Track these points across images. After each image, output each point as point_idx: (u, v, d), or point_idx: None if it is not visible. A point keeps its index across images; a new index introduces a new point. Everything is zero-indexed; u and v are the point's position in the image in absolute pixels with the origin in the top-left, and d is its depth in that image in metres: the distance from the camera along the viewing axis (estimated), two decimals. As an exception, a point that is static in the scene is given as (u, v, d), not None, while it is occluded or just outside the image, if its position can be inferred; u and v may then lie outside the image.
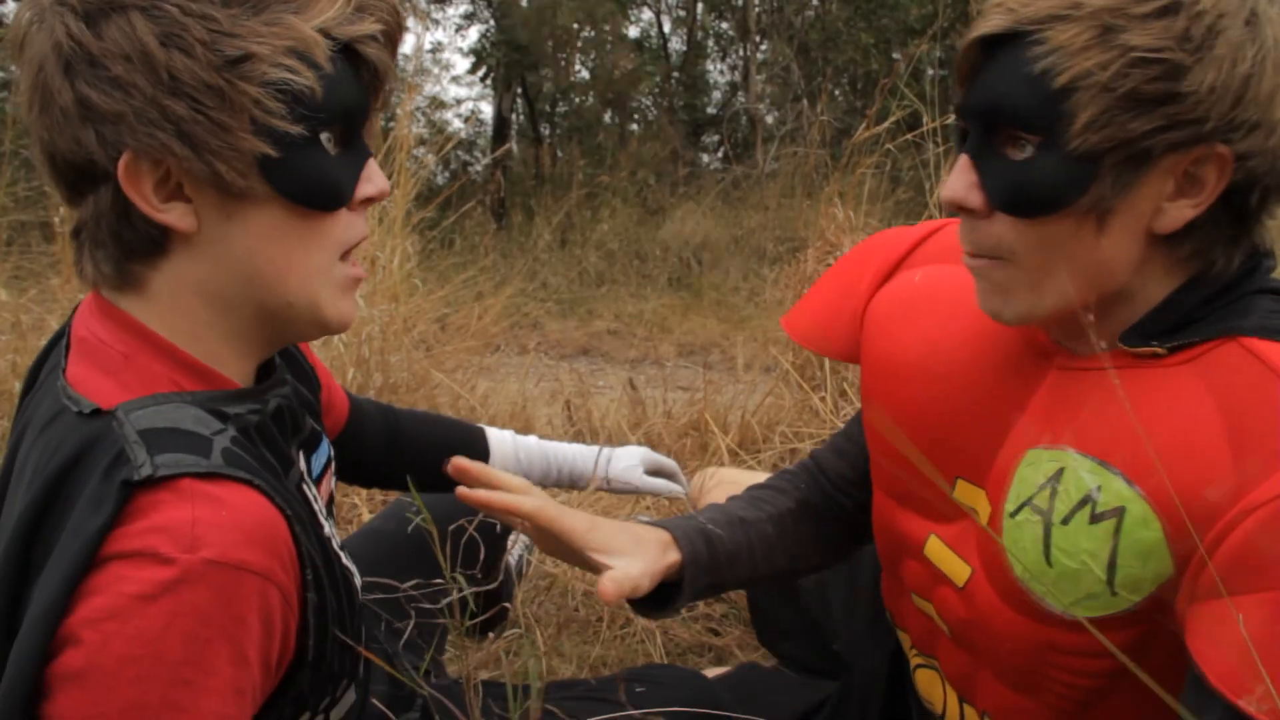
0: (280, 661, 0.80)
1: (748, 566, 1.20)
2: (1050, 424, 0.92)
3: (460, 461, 1.08)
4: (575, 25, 10.37)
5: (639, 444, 2.70)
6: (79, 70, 0.76)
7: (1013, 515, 0.92)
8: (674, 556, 1.12)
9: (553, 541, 1.08)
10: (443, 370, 3.20)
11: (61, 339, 0.91)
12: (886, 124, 2.76)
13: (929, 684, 1.16)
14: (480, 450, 1.46)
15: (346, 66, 0.83)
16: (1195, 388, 0.83)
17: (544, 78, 11.31)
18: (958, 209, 0.89)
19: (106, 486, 0.72)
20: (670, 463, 1.62)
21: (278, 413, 0.91)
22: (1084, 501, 0.86)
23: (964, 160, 0.88)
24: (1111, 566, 0.84)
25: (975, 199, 0.87)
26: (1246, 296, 0.86)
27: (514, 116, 11.62)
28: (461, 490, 1.06)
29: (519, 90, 11.07)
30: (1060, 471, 0.88)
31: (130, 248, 0.82)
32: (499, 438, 1.50)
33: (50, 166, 0.81)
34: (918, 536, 1.08)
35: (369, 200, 0.88)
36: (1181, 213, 0.83)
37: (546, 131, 11.86)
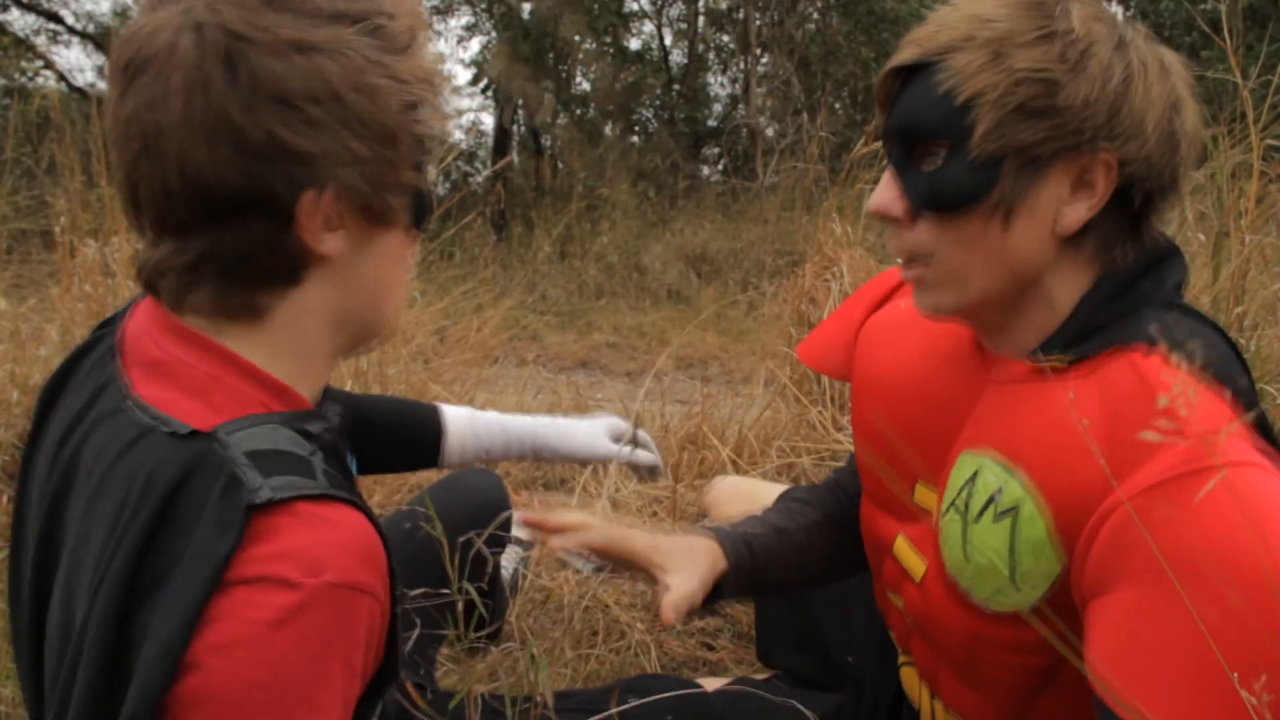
0: (366, 673, 0.82)
1: (783, 572, 1.33)
2: (979, 430, 1.02)
3: (529, 518, 1.20)
4: (576, 37, 10.38)
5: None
6: (267, 108, 0.78)
7: (944, 514, 1.03)
8: (722, 565, 1.25)
9: (618, 559, 1.22)
10: (441, 382, 3.21)
11: (89, 352, 0.92)
12: (885, 140, 2.77)
13: (910, 681, 1.24)
14: (434, 429, 1.49)
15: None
16: (1090, 396, 0.91)
17: (545, 89, 11.33)
18: (882, 218, 1.02)
19: (227, 510, 0.74)
20: (642, 432, 1.63)
21: (340, 430, 0.94)
22: (990, 500, 0.95)
23: (887, 175, 1.01)
24: (1012, 562, 0.93)
25: (898, 208, 0.99)
26: (1148, 307, 0.96)
27: (515, 128, 11.64)
28: (537, 537, 1.17)
29: (519, 103, 11.08)
30: (976, 473, 0.98)
31: (268, 277, 0.85)
32: (454, 416, 1.51)
33: (198, 197, 0.80)
34: (889, 536, 1.18)
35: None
36: (1077, 213, 0.95)
37: (547, 143, 11.87)
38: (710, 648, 1.97)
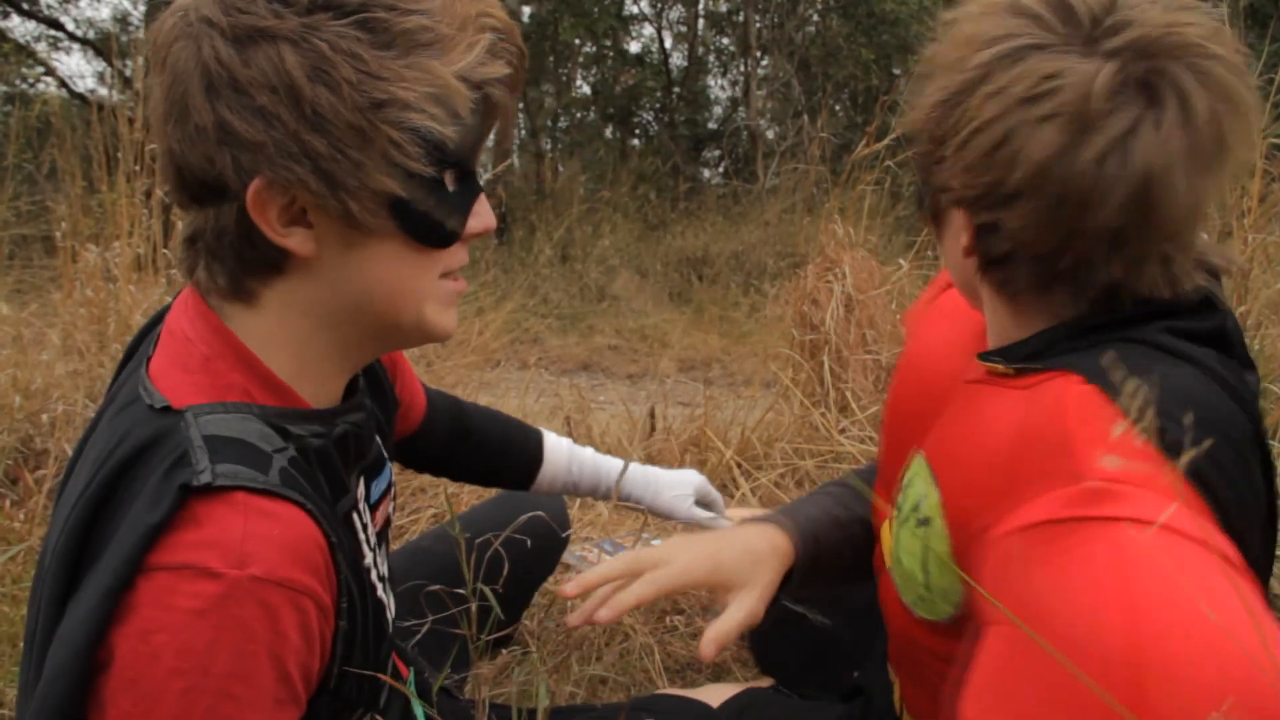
0: (309, 675, 0.81)
1: (838, 568, 1.27)
2: (934, 432, 0.99)
3: (566, 590, 1.10)
4: (576, 41, 10.38)
5: (642, 461, 2.71)
6: (222, 93, 0.77)
7: (896, 508, 1.01)
8: (789, 560, 1.20)
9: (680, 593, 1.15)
10: (443, 385, 3.21)
11: (156, 325, 0.93)
12: (886, 140, 2.77)
13: (892, 674, 1.23)
14: (534, 455, 1.49)
15: (473, 108, 0.83)
16: (1014, 411, 0.85)
17: (545, 93, 11.34)
18: None
19: (165, 486, 0.73)
20: (718, 496, 1.60)
21: (342, 439, 0.91)
22: (914, 507, 0.93)
23: None
24: (925, 571, 0.91)
25: None
26: (1117, 341, 0.85)
27: (516, 131, 11.65)
28: (588, 611, 1.09)
29: (520, 105, 11.09)
30: (914, 476, 0.96)
31: (248, 264, 0.84)
32: (555, 446, 1.51)
33: (175, 176, 0.82)
34: (880, 519, 1.17)
35: (477, 235, 0.91)
36: (960, 243, 0.92)
37: (548, 146, 11.88)
38: (714, 650, 1.96)
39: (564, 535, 1.75)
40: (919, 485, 0.94)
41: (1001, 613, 0.73)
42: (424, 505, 2.52)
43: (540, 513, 1.61)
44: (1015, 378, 0.88)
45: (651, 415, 2.32)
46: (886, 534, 1.12)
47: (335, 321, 0.87)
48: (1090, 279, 0.86)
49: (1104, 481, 0.73)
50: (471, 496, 2.48)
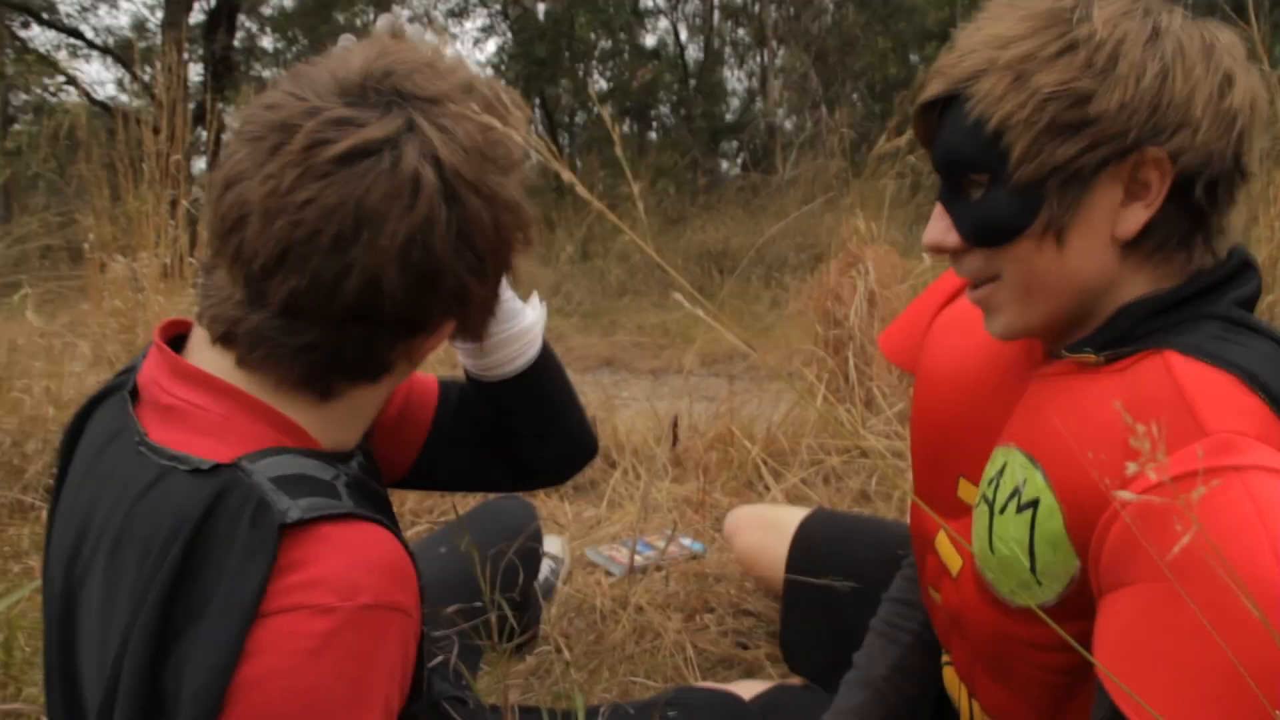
0: (403, 690, 0.84)
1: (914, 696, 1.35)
2: (1014, 424, 1.01)
3: None
4: (592, 36, 10.39)
5: (666, 462, 2.72)
6: (465, 257, 0.84)
7: (976, 507, 1.02)
8: None
9: None
10: (468, 388, 3.21)
11: (108, 397, 0.93)
12: (906, 135, 2.76)
13: (950, 680, 1.24)
14: None
15: None
16: (1114, 393, 0.90)
17: (562, 90, 11.34)
18: (937, 252, 1.01)
19: (258, 534, 0.75)
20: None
21: (363, 472, 0.96)
22: (1014, 493, 0.95)
23: (938, 208, 1.00)
24: (1031, 554, 0.92)
25: (952, 239, 0.98)
26: (1197, 320, 0.93)
27: (533, 128, 11.65)
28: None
29: (537, 102, 11.10)
30: (1005, 466, 0.97)
31: (352, 372, 0.88)
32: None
33: (354, 298, 0.82)
34: (932, 531, 1.17)
35: None
36: (1136, 215, 0.92)
37: (566, 142, 11.89)
38: (744, 647, 1.97)
39: (533, 525, 1.77)
40: (1014, 473, 0.96)
41: (1141, 570, 0.78)
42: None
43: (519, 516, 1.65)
44: (1105, 365, 0.94)
45: (675, 425, 2.32)
46: (946, 544, 1.14)
47: (381, 405, 0.96)
48: (1225, 200, 0.94)
49: (1229, 433, 0.80)
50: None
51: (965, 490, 1.12)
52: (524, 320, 1.17)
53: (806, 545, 1.77)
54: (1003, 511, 0.96)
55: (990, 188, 0.94)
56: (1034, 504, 0.92)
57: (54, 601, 0.89)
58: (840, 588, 1.62)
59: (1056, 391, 0.97)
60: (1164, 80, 0.88)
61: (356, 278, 0.80)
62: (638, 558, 2.26)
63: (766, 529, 1.87)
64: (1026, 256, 0.94)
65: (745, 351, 5.00)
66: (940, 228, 0.99)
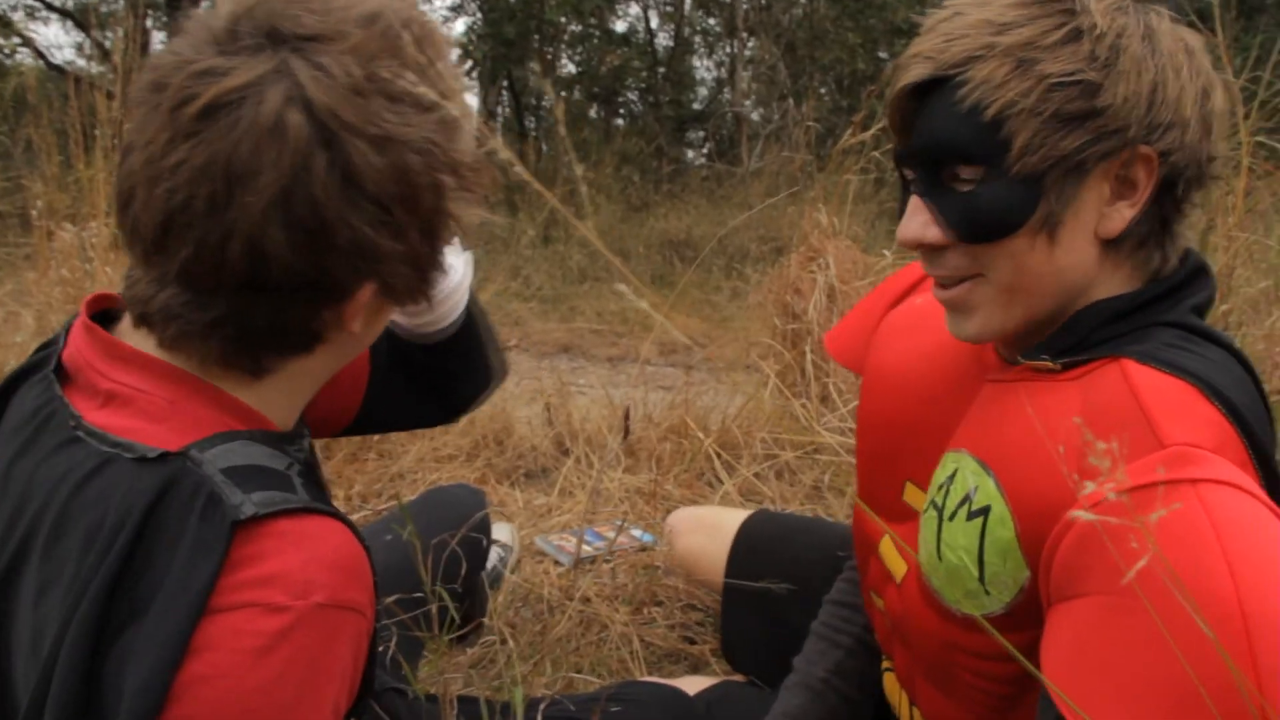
0: (352, 688, 0.81)
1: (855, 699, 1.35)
2: (966, 429, 0.99)
3: None
4: (563, 19, 10.33)
5: (619, 451, 2.71)
6: (358, 206, 0.76)
7: (924, 512, 1.00)
8: None
9: None
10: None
11: (28, 376, 0.88)
12: (871, 131, 2.76)
13: (890, 687, 1.22)
14: None
15: None
16: (1071, 401, 0.89)
17: (530, 71, 11.27)
18: (916, 247, 0.96)
19: (208, 529, 0.72)
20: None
21: (311, 452, 0.93)
22: (964, 499, 0.93)
23: (914, 201, 0.95)
24: (980, 563, 0.91)
25: (933, 234, 0.94)
26: (1152, 327, 0.92)
27: (499, 110, 11.58)
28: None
29: (505, 84, 11.03)
30: (955, 472, 0.96)
31: (277, 346, 0.83)
32: None
33: (244, 263, 0.76)
34: (876, 536, 1.16)
35: None
36: (1122, 214, 0.91)
37: (532, 125, 11.82)
38: (692, 641, 1.96)
39: (480, 513, 1.74)
40: (965, 479, 0.94)
41: (1093, 583, 0.77)
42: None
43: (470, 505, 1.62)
44: (1061, 372, 0.92)
45: (627, 417, 2.31)
46: (890, 549, 1.12)
47: (328, 377, 0.91)
48: (1187, 204, 0.94)
49: (1185, 446, 0.79)
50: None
51: (912, 495, 1.11)
52: (453, 277, 1.11)
53: (747, 546, 1.76)
54: (952, 518, 0.94)
55: (985, 179, 0.90)
56: (985, 511, 0.91)
57: None
58: (778, 590, 1.62)
59: (1012, 398, 0.95)
60: (1160, 78, 0.87)
61: (238, 241, 0.74)
62: (587, 548, 2.24)
63: (707, 531, 1.86)
64: (1019, 253, 0.91)
65: (704, 342, 5.00)
66: (919, 222, 0.94)
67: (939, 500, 0.97)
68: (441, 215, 0.82)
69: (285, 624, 0.70)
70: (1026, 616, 0.89)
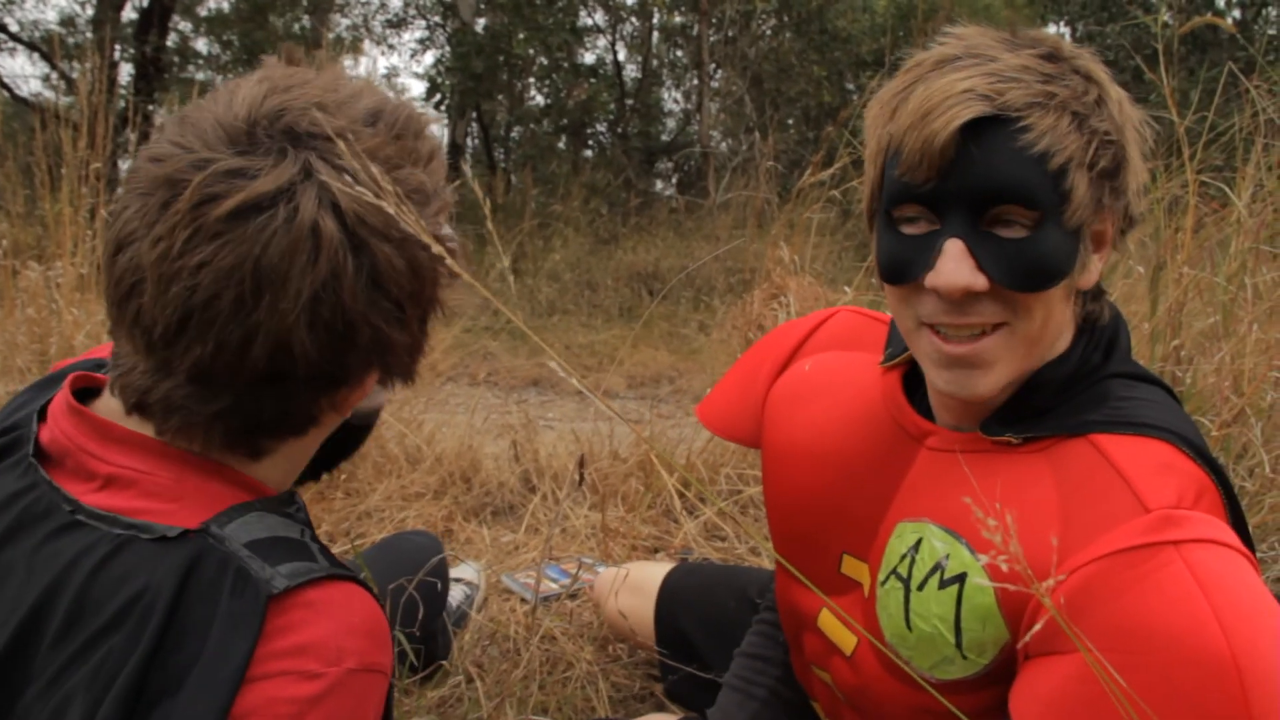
0: None
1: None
2: (918, 499, 1.00)
3: None
4: (530, 52, 10.38)
5: (583, 490, 2.72)
6: (378, 306, 0.78)
7: (883, 584, 1.00)
8: None
9: None
10: (392, 404, 3.19)
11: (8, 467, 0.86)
12: (833, 169, 2.80)
13: None
14: None
15: None
16: (1042, 472, 0.91)
17: (499, 105, 11.32)
18: (965, 294, 0.90)
19: (241, 603, 0.74)
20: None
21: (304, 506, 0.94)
22: (935, 568, 0.94)
23: (958, 247, 0.90)
24: (957, 629, 0.92)
25: (981, 281, 0.89)
26: (1101, 381, 0.95)
27: (469, 143, 11.61)
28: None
29: (474, 117, 11.06)
30: (919, 541, 0.96)
31: (278, 430, 0.84)
32: None
33: (264, 360, 0.76)
34: (812, 609, 1.14)
35: None
36: (1096, 266, 0.94)
37: (501, 157, 11.86)
38: (657, 679, 1.97)
39: (438, 558, 1.76)
40: (933, 548, 0.95)
41: (1077, 640, 0.78)
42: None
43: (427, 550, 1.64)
44: (1020, 445, 0.95)
45: (581, 465, 2.32)
46: (833, 622, 1.11)
47: (315, 450, 0.93)
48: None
49: (1168, 509, 0.82)
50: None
51: (850, 566, 1.09)
52: None
53: (671, 601, 1.78)
54: (921, 588, 0.95)
55: (1039, 226, 0.88)
56: (960, 579, 0.92)
57: None
58: (702, 648, 1.65)
59: (972, 468, 0.95)
60: (1138, 140, 0.92)
61: (263, 341, 0.75)
62: (552, 585, 2.25)
63: (631, 593, 1.87)
64: (1052, 302, 0.91)
65: (672, 375, 5.03)
66: (968, 268, 0.89)
67: (903, 571, 0.97)
68: (435, 303, 0.85)
69: (320, 690, 0.73)
70: (1003, 674, 0.91)
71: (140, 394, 0.81)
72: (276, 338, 0.75)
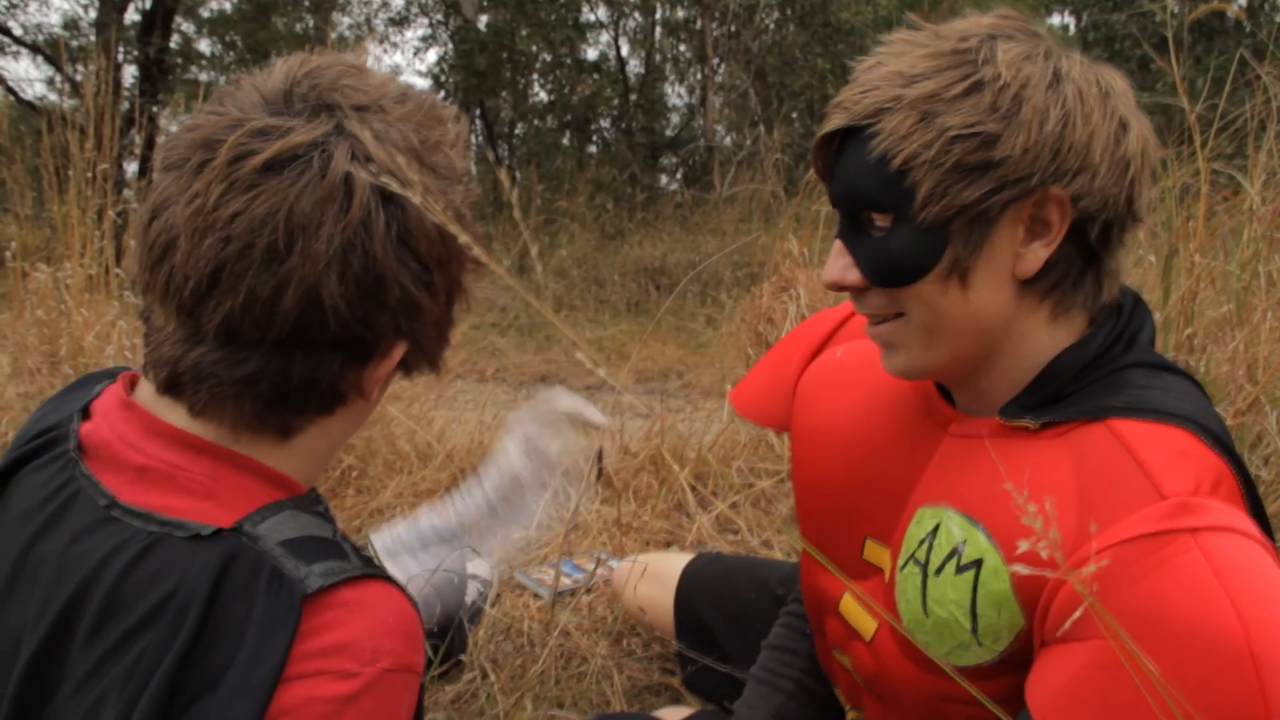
0: None
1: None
2: (938, 484, 1.00)
3: None
4: (534, 49, 10.37)
5: (597, 486, 2.72)
6: (408, 265, 0.79)
7: (901, 569, 1.01)
8: None
9: None
10: (400, 402, 3.19)
11: (32, 459, 0.87)
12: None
13: None
14: None
15: None
16: (1060, 458, 0.91)
17: (503, 102, 11.31)
18: (837, 289, 0.99)
19: (277, 603, 0.74)
20: (562, 407, 1.66)
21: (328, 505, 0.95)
22: (952, 554, 0.94)
23: (837, 245, 0.99)
24: (973, 615, 0.92)
25: (852, 276, 0.97)
26: (1121, 370, 0.95)
27: (473, 139, 11.61)
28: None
29: (478, 114, 11.06)
30: (937, 527, 0.97)
31: (313, 405, 0.84)
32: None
33: (295, 315, 0.77)
34: (835, 594, 1.15)
35: None
36: (1037, 254, 0.92)
37: (505, 154, 11.85)
38: (672, 673, 1.97)
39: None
40: (951, 533, 0.95)
41: (1094, 628, 0.79)
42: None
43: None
44: (1038, 431, 0.94)
45: (599, 458, 2.32)
46: (854, 607, 1.12)
47: (344, 442, 0.92)
48: (1116, 242, 0.95)
49: (1185, 496, 0.81)
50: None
51: (873, 551, 1.10)
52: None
53: (691, 591, 1.78)
54: (938, 573, 0.95)
55: (894, 227, 0.93)
56: (977, 564, 0.92)
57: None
58: (722, 638, 1.64)
59: (987, 453, 0.96)
60: (1065, 125, 0.89)
61: (294, 291, 0.75)
62: (566, 580, 2.25)
63: (651, 582, 1.88)
64: (931, 296, 0.94)
65: (680, 369, 5.02)
66: (840, 265, 0.98)
67: (920, 556, 0.98)
68: (461, 283, 0.86)
69: (356, 689, 0.73)
70: (1020, 662, 0.90)
71: (171, 365, 0.81)
72: (307, 287, 0.75)
